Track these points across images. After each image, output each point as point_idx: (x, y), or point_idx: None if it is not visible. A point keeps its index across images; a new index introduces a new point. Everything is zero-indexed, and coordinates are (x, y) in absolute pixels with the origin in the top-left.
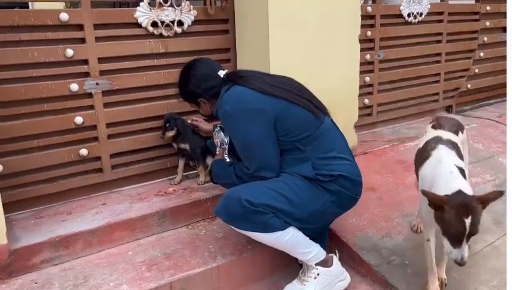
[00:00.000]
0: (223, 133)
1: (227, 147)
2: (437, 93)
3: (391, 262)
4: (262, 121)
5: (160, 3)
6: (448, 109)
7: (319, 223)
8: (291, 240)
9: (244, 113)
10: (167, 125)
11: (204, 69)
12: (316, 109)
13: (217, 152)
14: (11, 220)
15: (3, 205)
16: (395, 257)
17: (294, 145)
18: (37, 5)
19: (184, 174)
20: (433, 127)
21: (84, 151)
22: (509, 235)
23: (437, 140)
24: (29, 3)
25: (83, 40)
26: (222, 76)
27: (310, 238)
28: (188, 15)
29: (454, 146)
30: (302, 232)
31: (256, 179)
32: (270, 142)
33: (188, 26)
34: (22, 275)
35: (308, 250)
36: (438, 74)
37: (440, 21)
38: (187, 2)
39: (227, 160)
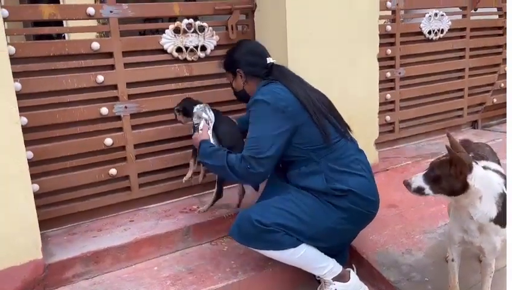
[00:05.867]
0: (208, 112)
1: (211, 126)
2: (461, 109)
3: (411, 279)
4: (288, 122)
5: (184, 30)
6: (474, 124)
7: (334, 240)
8: (305, 257)
9: (276, 109)
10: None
11: (258, 47)
12: (336, 129)
13: (200, 130)
14: (47, 236)
15: (39, 222)
16: (416, 273)
17: (309, 155)
18: (73, 36)
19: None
20: (474, 158)
21: (113, 171)
22: (509, 235)
23: (485, 169)
24: (65, 35)
25: (112, 67)
26: (268, 62)
27: (330, 256)
28: (210, 40)
29: (502, 176)
30: (320, 250)
31: (245, 168)
32: (281, 142)
33: (211, 50)
34: (56, 289)
35: (323, 265)
36: (462, 90)
37: (462, 37)
38: (210, 28)
39: (212, 141)
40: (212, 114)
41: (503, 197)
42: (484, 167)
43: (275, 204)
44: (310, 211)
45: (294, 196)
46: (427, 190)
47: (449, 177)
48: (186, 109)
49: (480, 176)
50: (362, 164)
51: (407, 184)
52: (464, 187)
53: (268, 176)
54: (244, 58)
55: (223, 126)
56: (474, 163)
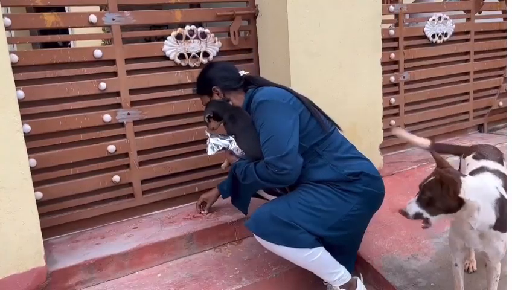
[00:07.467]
0: (220, 140)
1: (233, 143)
2: (467, 112)
3: (417, 284)
4: (294, 112)
5: (186, 36)
6: (480, 127)
7: (351, 228)
8: (319, 261)
9: (279, 103)
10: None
11: (226, 64)
12: (326, 119)
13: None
14: (50, 244)
15: (43, 229)
16: (421, 278)
17: (312, 150)
18: (78, 43)
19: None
20: (475, 158)
21: (116, 178)
22: (509, 235)
23: (483, 170)
24: (71, 42)
25: (115, 74)
26: (241, 74)
27: (339, 260)
28: (213, 46)
29: (501, 176)
30: (333, 251)
31: (274, 173)
32: (296, 131)
33: (213, 56)
34: None
35: (335, 271)
36: (467, 93)
37: (467, 40)
38: (212, 34)
39: (239, 153)
40: (224, 140)
41: (500, 201)
42: (482, 168)
43: (295, 199)
44: (328, 201)
45: (312, 189)
46: (425, 213)
47: (441, 197)
48: (215, 113)
49: (474, 187)
50: (356, 150)
51: (404, 213)
52: (460, 203)
53: (300, 169)
54: (218, 75)
55: (243, 137)
56: (462, 176)
